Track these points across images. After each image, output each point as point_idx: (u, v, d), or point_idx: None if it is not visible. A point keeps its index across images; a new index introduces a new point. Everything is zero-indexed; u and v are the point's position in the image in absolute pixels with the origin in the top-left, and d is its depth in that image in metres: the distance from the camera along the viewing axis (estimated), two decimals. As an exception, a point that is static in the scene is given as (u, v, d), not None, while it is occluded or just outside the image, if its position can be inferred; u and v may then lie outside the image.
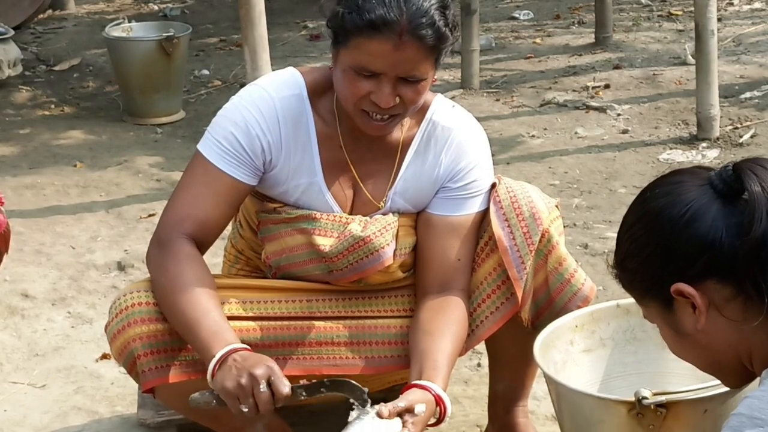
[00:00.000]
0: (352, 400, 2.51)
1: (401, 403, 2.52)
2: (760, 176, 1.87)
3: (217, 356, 2.53)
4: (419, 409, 2.53)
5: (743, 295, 1.86)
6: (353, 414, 2.49)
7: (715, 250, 1.86)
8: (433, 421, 2.60)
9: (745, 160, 1.92)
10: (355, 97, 2.63)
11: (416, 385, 2.61)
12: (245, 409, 2.50)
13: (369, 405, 2.50)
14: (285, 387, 2.50)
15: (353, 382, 2.54)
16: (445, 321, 2.76)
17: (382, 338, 2.85)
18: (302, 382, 2.56)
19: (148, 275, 2.78)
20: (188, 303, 2.62)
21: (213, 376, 2.54)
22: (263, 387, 2.48)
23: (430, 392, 2.59)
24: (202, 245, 2.74)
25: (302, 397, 2.54)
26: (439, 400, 2.59)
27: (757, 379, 1.92)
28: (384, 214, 2.82)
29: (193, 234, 2.71)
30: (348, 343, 2.83)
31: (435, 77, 2.70)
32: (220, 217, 2.75)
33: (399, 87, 2.61)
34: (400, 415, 2.50)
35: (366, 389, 2.51)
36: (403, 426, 2.49)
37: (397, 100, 2.63)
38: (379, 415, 2.47)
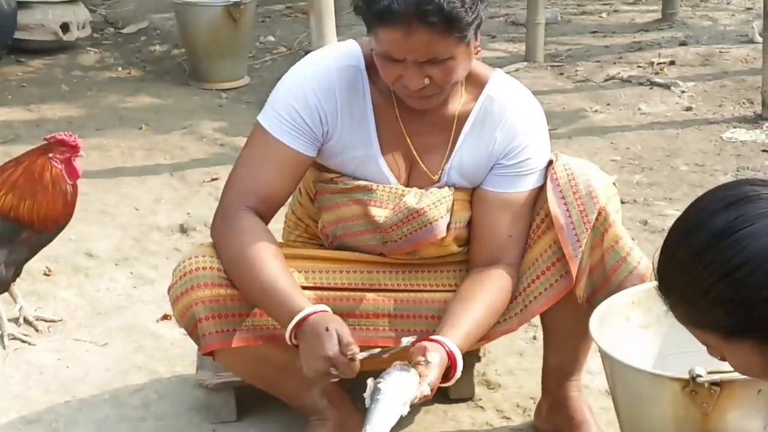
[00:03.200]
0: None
1: (416, 353, 2.55)
2: None
3: (289, 329, 2.58)
4: (432, 357, 2.54)
5: None
6: (367, 392, 2.50)
7: None
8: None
9: None
10: (389, 81, 2.67)
11: (428, 339, 2.63)
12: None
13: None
14: (351, 372, 2.53)
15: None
16: (481, 289, 2.78)
17: (423, 312, 2.88)
18: (360, 355, 2.58)
19: (211, 240, 2.82)
20: (259, 270, 2.66)
21: (297, 347, 2.59)
22: (333, 371, 2.54)
23: (443, 346, 2.61)
24: (266, 217, 2.78)
25: (378, 353, 2.58)
26: (450, 355, 2.61)
27: None
28: (440, 187, 2.84)
29: (256, 207, 2.75)
30: (392, 316, 2.86)
31: (478, 49, 2.68)
32: (282, 190, 2.79)
33: (427, 68, 2.61)
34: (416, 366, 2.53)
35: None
36: (421, 378, 2.51)
37: (427, 81, 2.63)
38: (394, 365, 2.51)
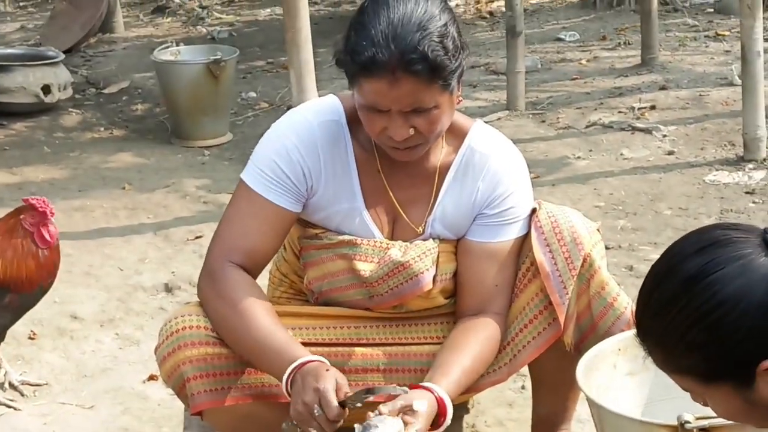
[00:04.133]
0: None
1: (400, 401, 2.54)
2: None
3: (284, 380, 2.58)
4: (418, 405, 2.54)
5: None
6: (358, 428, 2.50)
7: None
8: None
9: None
10: (374, 133, 2.67)
11: (418, 386, 2.63)
12: None
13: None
14: (332, 409, 2.51)
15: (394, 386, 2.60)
16: (469, 337, 2.78)
17: (413, 365, 2.87)
18: (348, 394, 2.57)
19: (197, 299, 2.81)
20: (252, 325, 2.66)
21: (290, 395, 2.59)
22: (317, 411, 2.52)
23: (433, 393, 2.61)
24: (252, 273, 2.77)
25: (358, 405, 2.56)
26: (440, 402, 2.60)
27: None
28: (424, 239, 2.83)
29: (242, 264, 2.74)
30: (382, 370, 2.85)
31: (459, 99, 2.69)
32: (268, 246, 2.78)
33: (411, 118, 2.61)
34: (401, 413, 2.52)
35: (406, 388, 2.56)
36: (407, 425, 2.50)
37: (412, 131, 2.63)
38: (379, 413, 2.49)
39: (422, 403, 2.56)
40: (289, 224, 2.81)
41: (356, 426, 2.49)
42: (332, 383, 2.53)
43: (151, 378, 3.75)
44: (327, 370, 2.56)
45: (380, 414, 2.50)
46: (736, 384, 1.85)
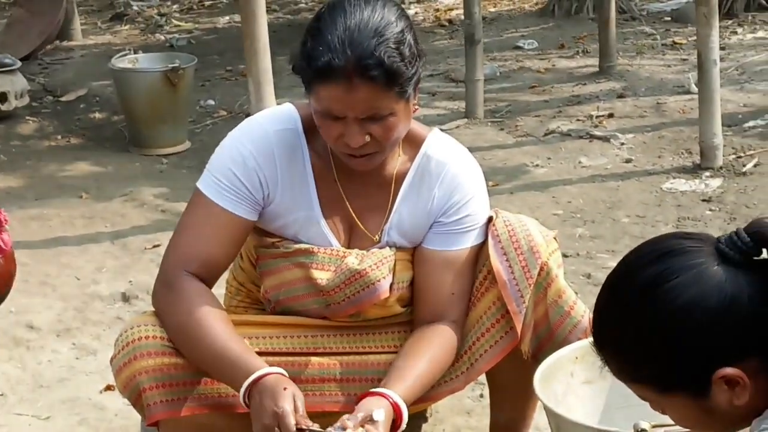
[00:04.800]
0: None
1: (359, 413, 2.55)
2: None
3: (241, 395, 2.58)
4: (377, 415, 2.55)
5: None
6: None
7: (758, 326, 1.80)
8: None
9: (754, 225, 1.85)
10: (331, 140, 2.66)
11: (371, 393, 2.63)
12: None
13: None
14: None
15: None
16: (425, 344, 2.78)
17: (370, 375, 2.86)
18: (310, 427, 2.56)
19: (153, 309, 2.79)
20: (208, 335, 2.65)
21: (248, 406, 2.59)
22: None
23: (387, 399, 2.61)
24: (208, 282, 2.76)
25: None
26: (395, 407, 2.61)
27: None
28: (381, 248, 2.83)
29: (198, 273, 2.73)
30: (339, 380, 2.85)
31: (416, 107, 2.69)
32: (224, 254, 2.77)
33: (367, 125, 2.61)
34: (362, 425, 2.53)
35: None
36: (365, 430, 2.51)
37: (368, 138, 2.63)
38: (343, 428, 2.49)
39: (380, 412, 2.56)
40: (245, 233, 2.80)
41: None
42: (290, 404, 2.53)
43: (108, 388, 3.72)
44: (285, 388, 2.55)
45: (344, 429, 2.50)
46: (692, 392, 1.86)
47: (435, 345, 2.79)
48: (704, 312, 1.81)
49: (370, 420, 2.54)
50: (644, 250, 1.91)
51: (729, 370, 1.82)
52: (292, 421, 2.50)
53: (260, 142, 2.76)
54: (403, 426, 2.62)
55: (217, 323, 2.67)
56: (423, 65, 2.66)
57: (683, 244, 1.88)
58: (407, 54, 2.59)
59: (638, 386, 1.93)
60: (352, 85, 2.55)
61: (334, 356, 2.86)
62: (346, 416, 2.55)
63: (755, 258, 1.86)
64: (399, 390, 2.65)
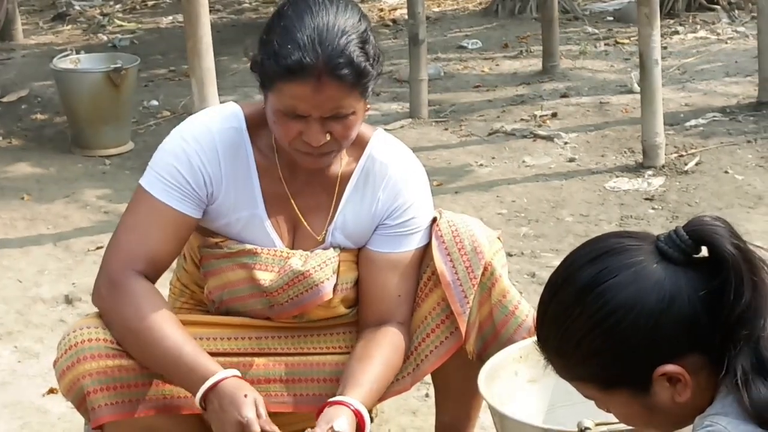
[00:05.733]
0: None
1: (322, 424, 2.55)
2: (725, 235, 1.83)
3: (198, 398, 2.58)
4: (339, 425, 2.55)
5: (713, 357, 1.84)
6: None
7: (697, 324, 1.82)
8: None
9: (693, 223, 1.86)
10: (288, 138, 2.65)
11: (332, 403, 2.63)
12: None
13: None
14: None
15: None
16: (376, 347, 2.78)
17: (316, 375, 2.86)
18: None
19: (97, 311, 2.77)
20: (161, 336, 2.63)
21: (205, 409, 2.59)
22: None
23: (349, 407, 2.61)
24: (152, 281, 2.74)
25: None
26: (357, 414, 2.61)
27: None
28: (325, 248, 2.83)
29: (144, 272, 2.71)
30: (284, 381, 2.84)
31: (368, 107, 2.71)
32: (168, 252, 2.76)
33: (328, 124, 2.62)
34: None
35: None
36: None
37: (328, 137, 2.64)
38: None
39: (342, 421, 2.57)
40: (190, 230, 2.78)
41: None
42: (253, 411, 2.54)
43: (51, 391, 3.69)
44: (245, 395, 2.56)
45: None
46: (634, 390, 1.88)
47: (386, 347, 2.79)
48: (643, 310, 1.82)
49: (331, 430, 2.54)
50: (584, 249, 1.93)
51: (670, 367, 1.83)
52: (257, 429, 2.51)
53: (204, 140, 2.75)
54: (368, 429, 2.62)
55: (168, 325, 2.65)
56: (382, 65, 2.69)
57: (623, 242, 1.89)
58: (371, 53, 2.63)
59: (581, 384, 1.94)
60: (321, 84, 2.56)
61: (278, 357, 2.85)
62: (308, 430, 2.55)
63: (694, 256, 1.87)
64: (358, 396, 2.65)
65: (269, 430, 2.53)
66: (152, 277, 2.74)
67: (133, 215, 2.76)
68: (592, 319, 1.85)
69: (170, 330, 2.65)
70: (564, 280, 1.91)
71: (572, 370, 1.93)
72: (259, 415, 2.54)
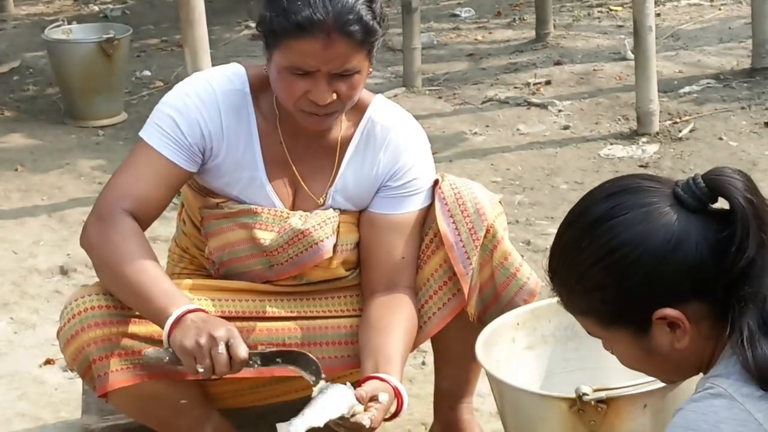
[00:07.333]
0: (308, 375, 2.54)
1: (366, 388, 2.56)
2: (739, 188, 1.85)
3: (175, 315, 2.57)
4: (383, 397, 2.57)
5: (717, 310, 1.86)
6: (315, 390, 2.52)
7: (702, 272, 1.84)
8: (389, 414, 2.62)
9: (712, 172, 1.89)
10: (293, 98, 2.66)
11: (374, 377, 2.63)
12: (201, 370, 2.52)
13: (322, 378, 2.54)
14: (243, 351, 2.53)
15: (308, 354, 2.57)
16: (396, 318, 2.79)
17: (333, 338, 2.87)
18: (260, 348, 2.58)
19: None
20: (138, 272, 2.64)
21: (170, 335, 2.55)
22: (222, 348, 2.52)
23: (389, 383, 2.62)
24: (142, 223, 2.75)
25: (257, 366, 2.57)
26: (397, 393, 2.62)
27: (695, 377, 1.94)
28: (325, 210, 2.83)
29: (133, 211, 2.73)
30: (300, 345, 2.83)
31: (371, 70, 2.73)
32: (159, 197, 2.77)
33: (334, 83, 2.64)
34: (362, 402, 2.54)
35: (319, 363, 2.55)
36: (366, 410, 2.52)
37: (334, 96, 2.64)
38: (359, 400, 2.51)
39: (385, 395, 2.58)
40: (182, 180, 2.80)
41: (314, 389, 2.51)
42: (233, 330, 2.55)
43: (48, 362, 3.69)
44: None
45: (360, 400, 2.52)
46: (634, 330, 1.91)
47: (405, 317, 2.81)
48: (647, 249, 1.85)
49: (375, 400, 2.55)
50: (605, 185, 1.98)
51: (669, 311, 1.86)
52: (237, 333, 2.54)
53: (206, 96, 2.77)
54: (405, 409, 2.65)
55: (147, 261, 2.67)
56: (387, 26, 2.70)
57: (641, 183, 1.93)
58: (378, 13, 2.66)
59: (584, 319, 1.97)
60: (330, 41, 2.58)
61: (281, 321, 2.86)
62: (359, 388, 2.55)
63: (713, 206, 1.89)
64: (395, 373, 2.67)
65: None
66: (141, 218, 2.74)
67: (128, 160, 2.80)
68: (598, 252, 1.89)
69: (148, 264, 2.66)
70: (579, 213, 1.95)
71: (576, 302, 1.96)
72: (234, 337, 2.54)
